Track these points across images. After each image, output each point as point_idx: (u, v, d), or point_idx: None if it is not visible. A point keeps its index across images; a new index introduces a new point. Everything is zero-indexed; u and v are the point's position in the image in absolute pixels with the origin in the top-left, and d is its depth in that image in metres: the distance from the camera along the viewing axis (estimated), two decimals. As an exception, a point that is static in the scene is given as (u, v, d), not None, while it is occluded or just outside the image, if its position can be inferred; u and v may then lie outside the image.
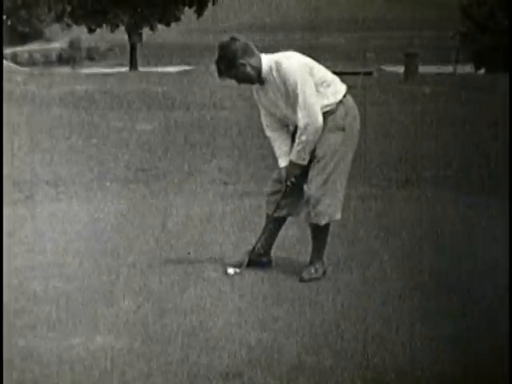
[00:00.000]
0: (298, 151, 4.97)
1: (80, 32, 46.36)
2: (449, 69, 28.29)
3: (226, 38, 5.07)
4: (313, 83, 4.91)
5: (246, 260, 5.26)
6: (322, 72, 5.03)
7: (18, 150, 10.05)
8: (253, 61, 4.95)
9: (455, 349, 4.01)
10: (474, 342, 4.08)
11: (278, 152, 5.16)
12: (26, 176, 8.56)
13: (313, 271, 5.13)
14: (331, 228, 5.20)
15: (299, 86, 4.85)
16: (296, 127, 4.98)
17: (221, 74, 5.03)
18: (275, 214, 5.23)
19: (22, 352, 3.96)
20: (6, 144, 9.46)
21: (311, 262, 5.17)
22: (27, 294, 4.79)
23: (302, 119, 4.89)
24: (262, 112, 5.19)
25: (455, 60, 28.79)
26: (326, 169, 4.98)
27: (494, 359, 3.83)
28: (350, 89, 5.12)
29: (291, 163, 5.05)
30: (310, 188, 5.01)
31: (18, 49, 48.70)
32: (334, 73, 5.16)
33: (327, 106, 4.95)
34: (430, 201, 7.42)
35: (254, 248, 5.30)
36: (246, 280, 5.08)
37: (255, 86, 5.11)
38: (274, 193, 5.22)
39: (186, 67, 37.93)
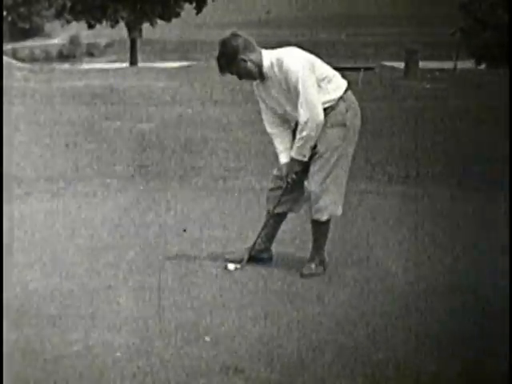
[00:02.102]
0: (299, 147, 4.97)
1: (80, 28, 46.34)
2: (449, 65, 28.27)
3: (226, 33, 5.06)
4: (314, 79, 4.90)
5: (247, 256, 5.25)
6: (323, 68, 5.02)
7: (17, 146, 10.05)
8: (254, 56, 4.95)
9: (455, 346, 4.01)
10: (474, 340, 4.07)
11: (278, 148, 5.16)
12: (26, 172, 8.56)
13: (313, 267, 5.13)
14: (332, 224, 5.19)
15: (300, 82, 4.84)
16: (297, 123, 4.98)
17: (222, 69, 5.03)
18: (276, 210, 5.23)
19: (21, 348, 3.95)
20: (6, 140, 9.46)
21: (312, 258, 5.17)
22: (27, 291, 4.79)
23: (302, 115, 4.88)
24: (263, 108, 5.18)
25: (456, 56, 28.78)
26: (326, 165, 4.97)
27: (494, 359, 3.83)
28: (350, 84, 5.11)
29: (292, 159, 5.04)
30: (311, 184, 5.00)
31: (18, 45, 48.68)
32: (335, 68, 5.15)
33: (328, 101, 4.94)
34: (430, 197, 7.42)
35: (254, 244, 5.30)
36: (247, 276, 5.08)
37: (256, 82, 5.10)
38: (275, 189, 5.22)
39: (186, 63, 37.90)
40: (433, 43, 41.41)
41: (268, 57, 4.96)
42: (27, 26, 52.39)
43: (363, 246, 5.74)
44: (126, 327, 4.23)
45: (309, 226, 5.22)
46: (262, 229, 5.30)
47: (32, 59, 43.82)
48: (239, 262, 5.24)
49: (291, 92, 4.90)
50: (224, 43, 4.97)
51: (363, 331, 4.18)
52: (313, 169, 5.01)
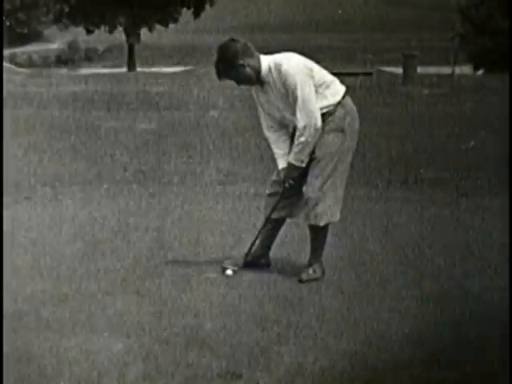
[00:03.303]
0: (297, 153, 4.97)
1: (78, 33, 46.38)
2: (447, 70, 28.27)
3: (224, 38, 5.07)
4: (312, 84, 4.90)
5: (242, 260, 5.25)
6: (322, 73, 5.03)
7: (16, 151, 10.04)
8: (252, 62, 4.95)
9: (454, 349, 4.00)
10: (474, 342, 4.07)
11: (276, 153, 5.16)
12: (25, 177, 8.55)
13: (311, 272, 5.12)
14: (330, 229, 5.19)
15: (298, 88, 4.85)
16: (295, 128, 4.97)
17: (220, 75, 5.03)
18: (273, 216, 5.22)
19: (20, 353, 3.94)
20: (4, 144, 9.44)
21: (310, 263, 5.16)
22: (26, 295, 4.78)
23: (300, 120, 4.88)
24: (261, 113, 5.18)
25: (454, 61, 28.78)
26: (325, 170, 4.97)
27: (494, 362, 3.82)
28: (348, 90, 5.12)
29: (289, 165, 5.03)
30: (309, 190, 5.00)
31: (17, 50, 48.67)
32: (333, 74, 5.16)
33: (326, 107, 4.94)
34: (428, 202, 7.41)
35: (250, 248, 5.29)
36: (245, 281, 5.07)
37: (254, 87, 5.10)
38: (273, 194, 5.21)
39: (184, 68, 37.91)
40: (431, 48, 41.43)
41: (266, 62, 4.97)
42: (25, 31, 52.38)
43: (361, 251, 5.74)
44: (124, 332, 4.22)
45: (307, 232, 5.21)
46: (259, 233, 5.29)
47: (30, 64, 43.79)
48: (235, 266, 5.23)
49: (289, 97, 4.90)
50: (222, 49, 4.97)
51: (361, 336, 4.17)
52: (311, 174, 5.00)
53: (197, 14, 41.98)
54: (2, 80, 17.90)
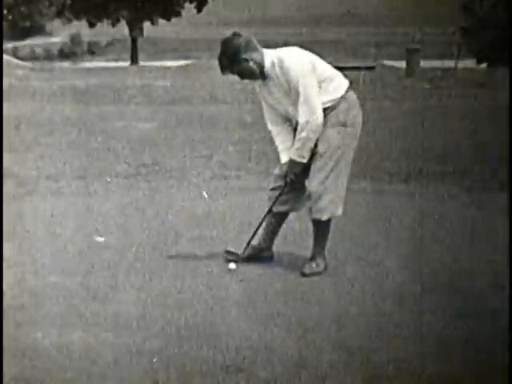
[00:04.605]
0: (298, 148, 4.96)
1: (81, 26, 46.38)
2: (450, 64, 28.24)
3: (228, 33, 5.07)
4: (315, 79, 4.90)
5: (242, 252, 5.25)
6: (325, 67, 5.02)
7: (18, 145, 10.05)
8: (255, 56, 4.94)
9: (455, 346, 4.00)
10: (474, 340, 4.07)
11: (279, 147, 5.16)
12: (27, 171, 8.56)
13: (314, 266, 5.12)
14: (332, 223, 5.19)
15: (301, 82, 4.84)
16: (298, 123, 4.97)
17: (223, 69, 5.03)
18: (275, 209, 5.23)
19: (22, 348, 3.95)
20: (7, 139, 9.46)
21: (313, 257, 5.17)
22: (28, 290, 4.79)
23: (302, 116, 4.87)
24: (265, 107, 5.18)
25: (457, 55, 28.76)
26: (327, 164, 4.97)
27: (494, 359, 3.82)
28: (351, 84, 5.11)
29: (291, 160, 5.03)
30: (312, 184, 5.00)
31: (19, 43, 48.68)
32: (336, 68, 5.15)
33: (329, 101, 4.93)
34: (430, 196, 7.41)
35: (250, 240, 5.29)
36: (248, 275, 5.08)
37: (258, 82, 5.10)
38: (276, 188, 5.21)
39: (187, 61, 37.91)
40: (434, 42, 41.38)
41: (269, 56, 4.96)
42: (28, 25, 52.41)
43: (364, 245, 5.74)
44: (127, 327, 4.23)
45: (310, 225, 5.22)
46: (259, 225, 5.29)
47: (33, 58, 43.76)
48: (237, 258, 5.25)
49: (292, 92, 4.90)
50: (225, 43, 4.97)
51: (363, 331, 4.18)
52: (313, 168, 5.00)
53: (200, 8, 41.96)
54: (2, 76, 17.90)
